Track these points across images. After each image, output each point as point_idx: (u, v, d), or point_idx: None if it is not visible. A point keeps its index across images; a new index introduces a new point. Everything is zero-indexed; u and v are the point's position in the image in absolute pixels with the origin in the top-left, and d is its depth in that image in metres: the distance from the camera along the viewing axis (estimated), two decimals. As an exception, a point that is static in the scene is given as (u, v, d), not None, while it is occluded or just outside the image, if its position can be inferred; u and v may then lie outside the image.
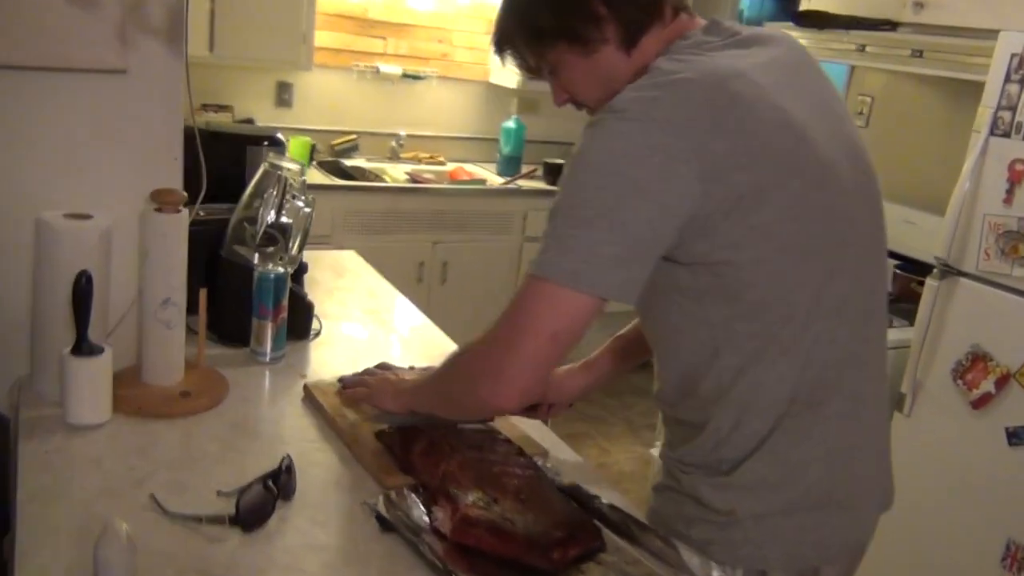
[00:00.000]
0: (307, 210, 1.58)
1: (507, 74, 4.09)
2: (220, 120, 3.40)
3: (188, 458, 1.19)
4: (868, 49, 2.64)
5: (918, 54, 2.48)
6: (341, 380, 1.42)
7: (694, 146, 0.96)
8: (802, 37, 2.77)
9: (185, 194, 1.32)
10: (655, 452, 3.05)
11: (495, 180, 3.93)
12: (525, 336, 1.00)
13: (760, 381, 1.06)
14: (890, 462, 1.22)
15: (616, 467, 3.50)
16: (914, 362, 2.29)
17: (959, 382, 2.15)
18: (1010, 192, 1.96)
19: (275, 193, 1.59)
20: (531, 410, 1.38)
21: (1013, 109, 1.94)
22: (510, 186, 3.87)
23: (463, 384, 1.11)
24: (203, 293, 1.39)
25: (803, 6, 3.01)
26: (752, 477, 1.07)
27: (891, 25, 2.69)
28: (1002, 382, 1.97)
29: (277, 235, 1.61)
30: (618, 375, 1.45)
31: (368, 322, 1.81)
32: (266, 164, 1.61)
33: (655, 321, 1.15)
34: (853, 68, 3.37)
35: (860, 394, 1.12)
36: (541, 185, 3.93)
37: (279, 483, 1.10)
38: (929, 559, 2.25)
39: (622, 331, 1.43)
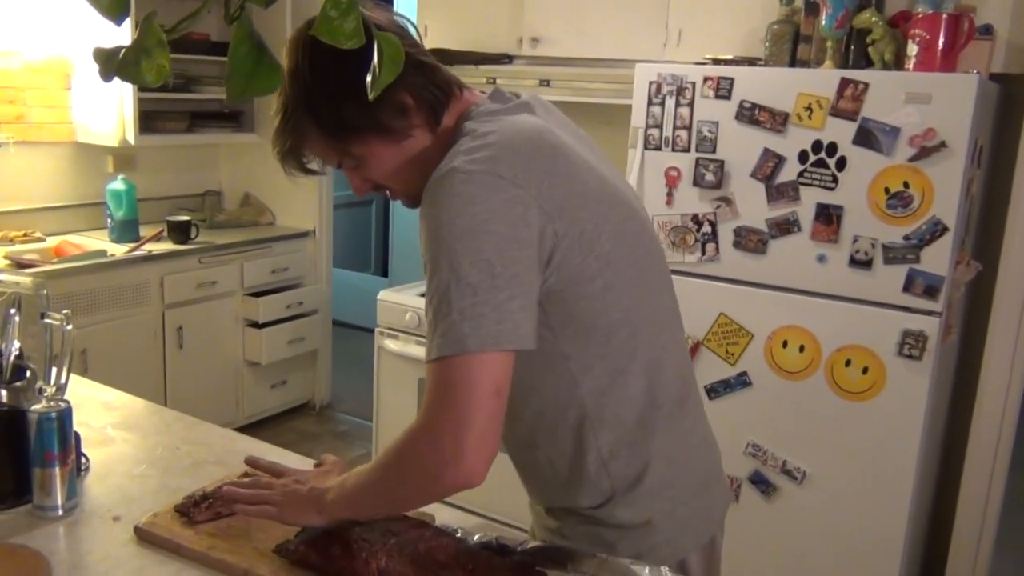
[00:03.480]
0: (67, 327, 1.34)
1: (97, 132, 3.69)
2: None
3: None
4: (499, 81, 2.92)
5: (545, 83, 2.83)
6: (182, 508, 1.25)
7: (537, 192, 1.05)
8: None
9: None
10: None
11: (116, 249, 3.53)
12: (471, 405, 1.00)
13: (625, 396, 1.18)
14: None
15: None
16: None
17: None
18: (669, 195, 2.37)
19: (15, 315, 1.34)
20: None
21: (660, 126, 2.34)
22: (138, 253, 3.51)
23: (417, 481, 1.05)
24: (-10, 456, 1.12)
25: (422, 45, 3.21)
26: (658, 482, 1.20)
27: (508, 59, 3.02)
28: (694, 350, 2.39)
29: (27, 365, 1.35)
30: None
31: (137, 441, 1.58)
32: (-9, 283, 1.34)
33: None
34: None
35: (695, 381, 1.32)
36: (171, 247, 3.63)
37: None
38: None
39: None
